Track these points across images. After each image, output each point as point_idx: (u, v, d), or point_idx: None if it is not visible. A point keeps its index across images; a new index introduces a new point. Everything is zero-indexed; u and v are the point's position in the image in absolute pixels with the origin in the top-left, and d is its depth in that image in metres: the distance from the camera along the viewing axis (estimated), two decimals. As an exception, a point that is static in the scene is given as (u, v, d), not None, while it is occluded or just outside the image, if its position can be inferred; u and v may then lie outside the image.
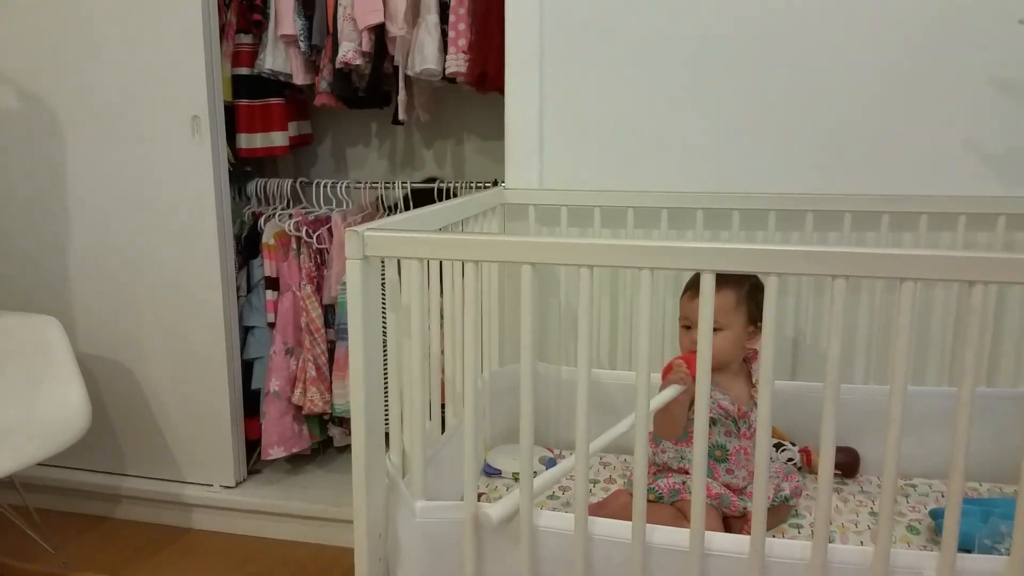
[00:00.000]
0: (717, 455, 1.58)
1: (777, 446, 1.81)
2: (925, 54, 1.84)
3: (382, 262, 1.26)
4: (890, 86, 1.86)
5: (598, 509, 1.65)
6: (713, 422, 1.56)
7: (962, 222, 1.82)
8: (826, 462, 1.10)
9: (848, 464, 1.81)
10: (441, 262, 1.56)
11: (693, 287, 1.60)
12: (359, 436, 1.22)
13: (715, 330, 1.59)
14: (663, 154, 1.97)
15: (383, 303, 1.29)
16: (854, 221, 1.88)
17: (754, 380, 1.64)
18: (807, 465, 1.80)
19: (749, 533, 1.13)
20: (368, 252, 1.19)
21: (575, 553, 1.18)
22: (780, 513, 1.60)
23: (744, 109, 1.92)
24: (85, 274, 2.36)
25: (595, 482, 1.84)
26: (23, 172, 2.36)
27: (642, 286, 1.11)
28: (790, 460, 1.79)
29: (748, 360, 1.65)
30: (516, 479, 1.87)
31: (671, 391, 1.47)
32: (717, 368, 1.67)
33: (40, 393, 2.01)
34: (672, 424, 1.56)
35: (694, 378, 1.36)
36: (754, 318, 1.58)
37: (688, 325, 1.62)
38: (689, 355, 1.47)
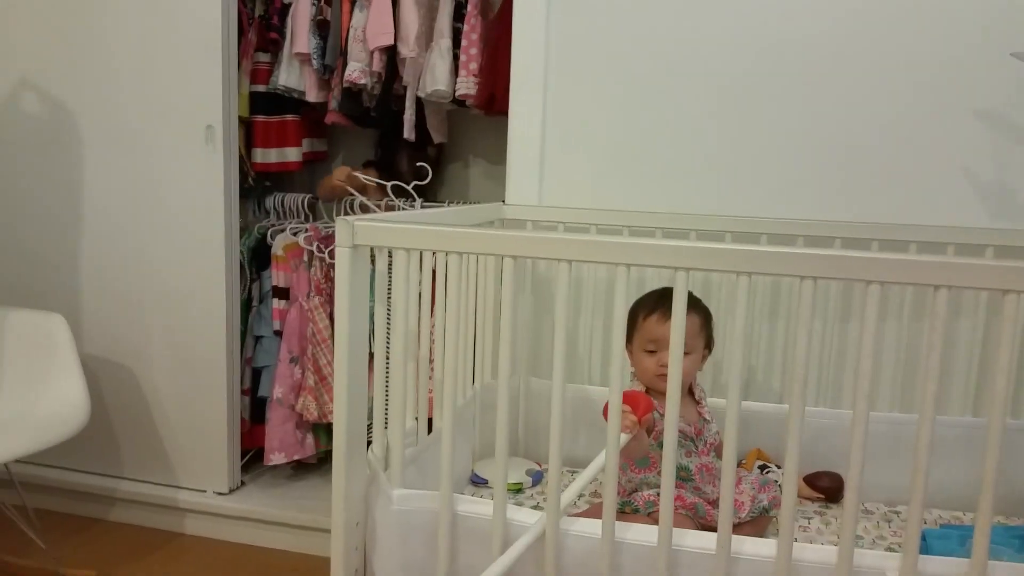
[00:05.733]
0: (682, 475, 1.60)
1: (762, 467, 1.81)
2: (920, 86, 1.88)
3: (372, 253, 1.30)
4: (890, 114, 1.90)
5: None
6: None
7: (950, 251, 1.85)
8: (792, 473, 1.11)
9: (832, 489, 1.81)
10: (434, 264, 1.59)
11: (661, 309, 1.59)
12: (340, 419, 1.25)
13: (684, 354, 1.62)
14: (661, 175, 2.02)
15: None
16: (844, 246, 1.90)
17: (696, 397, 1.69)
18: (792, 487, 1.80)
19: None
20: (357, 241, 1.23)
21: (547, 549, 1.20)
22: (760, 524, 1.60)
23: (740, 134, 1.97)
24: (95, 277, 2.41)
25: (582, 496, 1.84)
26: (39, 175, 2.42)
27: (617, 283, 1.14)
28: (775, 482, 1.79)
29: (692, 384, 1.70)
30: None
31: (621, 439, 1.42)
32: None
33: (42, 387, 2.05)
34: (630, 458, 1.57)
35: (640, 421, 1.39)
36: (709, 344, 1.67)
37: (654, 349, 1.60)
38: (633, 394, 1.45)
